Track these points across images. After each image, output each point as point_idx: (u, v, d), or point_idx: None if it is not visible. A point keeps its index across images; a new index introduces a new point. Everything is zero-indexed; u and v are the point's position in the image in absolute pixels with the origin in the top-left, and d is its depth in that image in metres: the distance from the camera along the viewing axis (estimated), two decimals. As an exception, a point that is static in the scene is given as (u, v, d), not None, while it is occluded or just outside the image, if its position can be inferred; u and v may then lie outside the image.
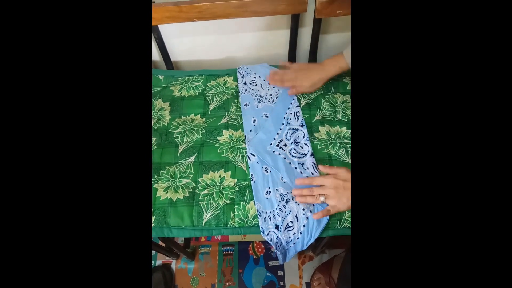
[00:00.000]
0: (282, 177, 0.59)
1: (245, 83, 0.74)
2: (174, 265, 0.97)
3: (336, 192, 0.52)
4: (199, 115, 0.72)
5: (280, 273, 0.93)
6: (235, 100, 0.73)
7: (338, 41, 0.81)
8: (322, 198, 0.53)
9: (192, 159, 0.64)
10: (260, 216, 0.55)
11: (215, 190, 0.59)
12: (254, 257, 0.96)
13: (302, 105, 0.71)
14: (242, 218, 0.56)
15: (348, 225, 0.56)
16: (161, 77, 0.80)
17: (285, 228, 0.54)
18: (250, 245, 0.98)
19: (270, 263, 0.95)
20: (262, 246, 0.98)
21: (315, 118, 0.69)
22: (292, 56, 0.81)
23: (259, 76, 0.76)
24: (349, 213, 0.56)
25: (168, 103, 0.74)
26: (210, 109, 0.72)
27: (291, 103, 0.70)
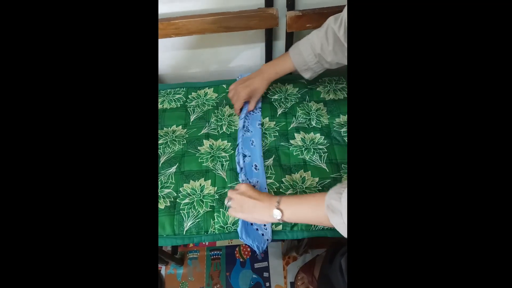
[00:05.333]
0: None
1: None
2: (163, 271, 0.99)
3: (238, 203, 0.55)
4: (180, 126, 0.75)
5: (265, 274, 0.97)
6: (215, 111, 0.76)
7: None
8: (227, 203, 0.57)
9: (173, 169, 0.67)
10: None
11: (196, 198, 0.62)
12: (241, 260, 0.99)
13: (278, 113, 0.75)
14: (222, 225, 0.60)
15: (322, 227, 0.60)
16: (143, 90, 0.82)
17: None
18: (237, 249, 1.01)
19: (256, 265, 0.98)
20: (248, 249, 1.01)
21: (291, 126, 0.72)
22: (268, 67, 0.84)
23: None
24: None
25: (150, 115, 0.77)
26: (191, 120, 0.75)
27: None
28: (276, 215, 0.50)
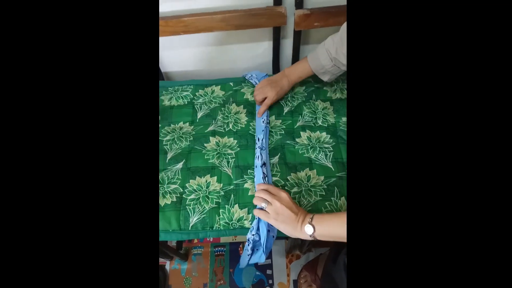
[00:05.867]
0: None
1: None
2: (168, 266, 1.01)
3: (275, 210, 0.54)
4: (187, 123, 0.75)
5: (269, 271, 0.97)
6: (222, 108, 0.77)
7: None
8: (263, 204, 0.55)
9: (180, 165, 0.67)
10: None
11: (202, 194, 0.63)
12: (245, 257, 1.00)
13: (285, 112, 0.75)
14: (227, 221, 0.60)
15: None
16: (151, 87, 0.83)
17: None
18: (241, 246, 1.02)
19: (260, 262, 0.99)
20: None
21: (297, 124, 0.73)
22: (275, 66, 0.85)
23: None
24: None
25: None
26: (198, 117, 0.76)
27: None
28: (308, 231, 0.50)
